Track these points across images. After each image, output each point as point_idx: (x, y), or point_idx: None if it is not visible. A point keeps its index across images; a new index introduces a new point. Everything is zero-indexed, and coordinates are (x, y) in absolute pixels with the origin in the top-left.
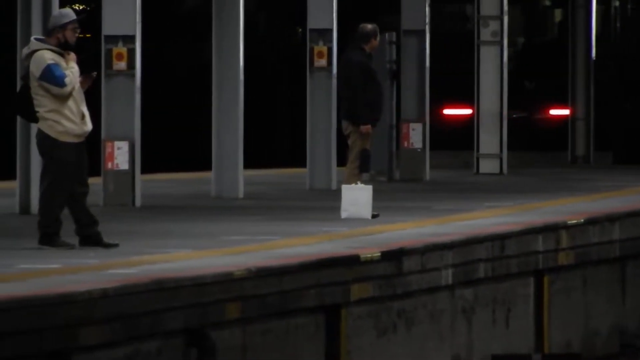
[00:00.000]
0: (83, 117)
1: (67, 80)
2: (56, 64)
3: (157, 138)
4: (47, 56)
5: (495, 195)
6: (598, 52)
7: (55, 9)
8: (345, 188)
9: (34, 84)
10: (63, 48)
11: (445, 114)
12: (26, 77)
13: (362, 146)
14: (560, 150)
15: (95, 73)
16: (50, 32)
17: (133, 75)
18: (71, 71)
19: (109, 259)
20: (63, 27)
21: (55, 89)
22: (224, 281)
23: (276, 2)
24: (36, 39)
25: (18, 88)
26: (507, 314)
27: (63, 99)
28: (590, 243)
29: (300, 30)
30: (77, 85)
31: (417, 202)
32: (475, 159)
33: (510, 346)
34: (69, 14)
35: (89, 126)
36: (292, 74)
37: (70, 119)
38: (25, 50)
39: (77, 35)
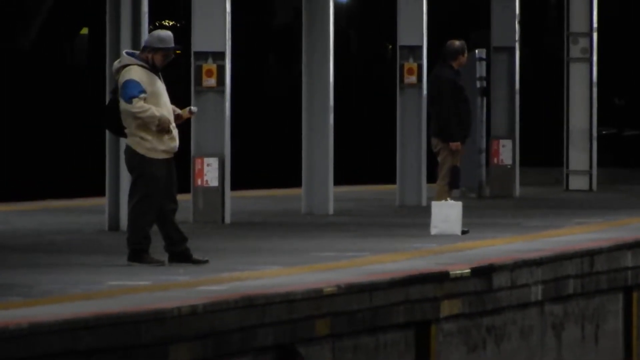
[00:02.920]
0: (169, 133)
1: (136, 102)
2: (138, 83)
3: (247, 154)
4: (135, 72)
5: (584, 212)
6: None
7: (145, 25)
8: (435, 204)
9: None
10: (152, 67)
11: None
12: (115, 91)
13: (452, 163)
14: None
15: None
16: (143, 49)
17: (223, 92)
18: (157, 110)
19: (199, 276)
20: (155, 50)
21: (122, 103)
22: (314, 298)
23: (366, 19)
24: (128, 53)
25: (107, 102)
26: (596, 330)
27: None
28: None
29: (390, 47)
30: (152, 119)
31: (506, 218)
32: (564, 176)
33: None
34: (166, 40)
35: (176, 143)
36: (381, 90)
37: (157, 136)
38: (116, 65)
39: (167, 62)
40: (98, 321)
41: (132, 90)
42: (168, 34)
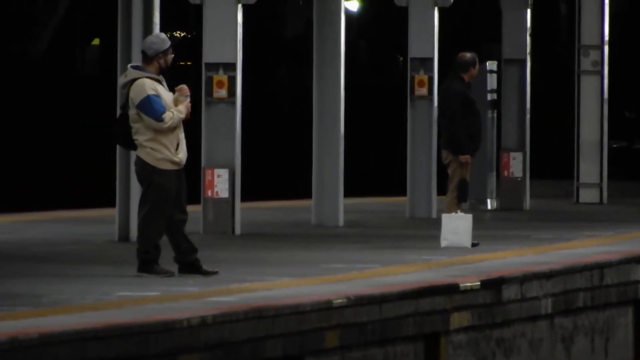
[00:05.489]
0: (177, 146)
1: (165, 116)
2: (157, 96)
3: (258, 165)
4: (148, 85)
5: (595, 225)
6: None
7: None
8: (445, 217)
9: (132, 112)
10: (162, 73)
11: None
12: (125, 105)
13: (462, 175)
14: None
15: (188, 98)
16: (152, 58)
17: (234, 103)
18: (177, 111)
19: (209, 287)
20: (165, 52)
21: (151, 122)
22: (324, 309)
23: (377, 31)
24: (133, 67)
25: (117, 116)
26: (605, 343)
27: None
28: None
29: (401, 58)
30: (180, 121)
31: (516, 231)
32: (575, 188)
33: None
34: (165, 38)
35: (183, 155)
36: (392, 102)
37: (167, 147)
38: (123, 79)
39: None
40: (107, 332)
41: (159, 107)
42: (158, 33)
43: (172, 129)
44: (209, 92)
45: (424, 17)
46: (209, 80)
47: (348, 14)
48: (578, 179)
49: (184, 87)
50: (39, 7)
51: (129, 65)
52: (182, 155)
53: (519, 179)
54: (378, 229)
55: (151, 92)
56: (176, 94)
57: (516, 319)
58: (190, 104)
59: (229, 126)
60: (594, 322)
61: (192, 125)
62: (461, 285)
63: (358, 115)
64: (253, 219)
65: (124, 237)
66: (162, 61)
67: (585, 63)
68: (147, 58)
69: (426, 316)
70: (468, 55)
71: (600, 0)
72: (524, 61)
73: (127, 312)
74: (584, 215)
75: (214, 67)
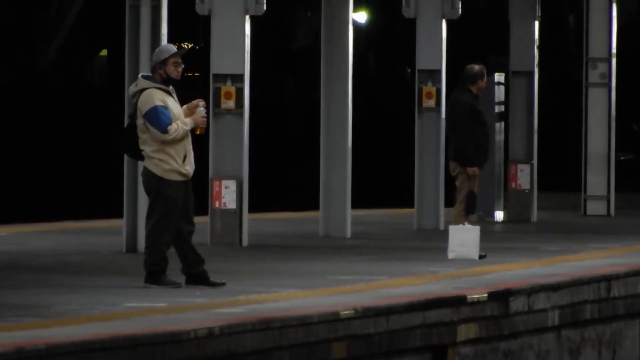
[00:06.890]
0: (185, 158)
1: (170, 128)
2: (164, 107)
3: (265, 177)
4: (157, 96)
5: (602, 237)
6: None
7: None
8: (452, 229)
9: (139, 122)
10: (166, 84)
11: None
12: (134, 115)
13: (470, 187)
14: None
15: (204, 111)
16: (153, 69)
17: (241, 114)
18: (182, 123)
19: (216, 298)
20: (163, 62)
21: (156, 132)
22: (331, 320)
23: (385, 42)
24: (144, 77)
25: (125, 125)
26: (613, 356)
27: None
28: None
29: (409, 70)
30: (186, 134)
31: (524, 243)
32: (582, 201)
33: None
34: (168, 49)
35: (190, 167)
36: (400, 113)
37: (174, 158)
38: (133, 88)
39: (179, 70)
40: (114, 342)
41: (165, 119)
42: (165, 44)
43: (179, 140)
44: (217, 103)
45: (432, 29)
46: (217, 91)
47: (356, 25)
48: (585, 191)
49: (202, 101)
50: (47, 18)
51: (140, 75)
52: (189, 167)
53: (527, 191)
54: (385, 240)
55: (159, 103)
56: (193, 102)
57: (523, 331)
58: (205, 118)
59: (237, 137)
60: (601, 335)
61: (199, 136)
62: (468, 297)
63: (366, 127)
64: (260, 231)
65: (132, 248)
66: (161, 72)
67: (593, 75)
68: (151, 69)
69: (433, 328)
70: (476, 67)
71: (608, 13)
72: (531, 73)
73: (135, 323)
74: (591, 228)
75: (221, 78)
